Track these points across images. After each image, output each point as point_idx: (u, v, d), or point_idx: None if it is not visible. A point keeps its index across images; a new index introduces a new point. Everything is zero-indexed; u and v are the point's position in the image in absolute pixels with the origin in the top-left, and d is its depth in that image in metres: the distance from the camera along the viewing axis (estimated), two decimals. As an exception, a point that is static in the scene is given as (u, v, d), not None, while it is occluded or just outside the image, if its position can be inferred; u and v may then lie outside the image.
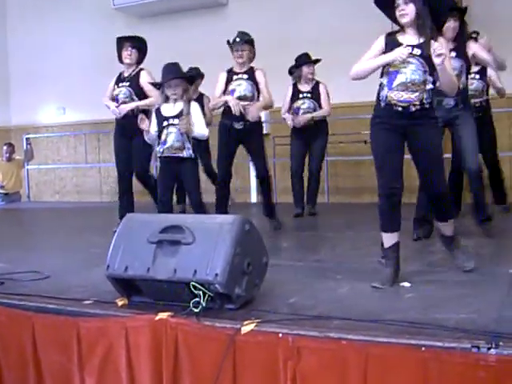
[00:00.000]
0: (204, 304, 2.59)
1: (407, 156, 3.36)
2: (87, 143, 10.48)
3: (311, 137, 6.46)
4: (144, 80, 5.56)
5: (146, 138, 4.85)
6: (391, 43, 3.31)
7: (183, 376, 2.54)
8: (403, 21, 3.28)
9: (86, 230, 6.19)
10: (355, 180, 8.44)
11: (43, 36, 10.61)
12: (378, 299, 2.87)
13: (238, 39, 5.33)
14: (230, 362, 2.41)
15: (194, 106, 4.73)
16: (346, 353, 2.24)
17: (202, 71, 7.04)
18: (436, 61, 3.15)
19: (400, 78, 3.24)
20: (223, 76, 5.40)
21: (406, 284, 3.11)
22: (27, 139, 10.31)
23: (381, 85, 3.32)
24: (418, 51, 3.24)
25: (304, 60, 6.44)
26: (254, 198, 8.95)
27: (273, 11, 8.81)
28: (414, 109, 3.24)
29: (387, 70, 3.28)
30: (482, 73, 5.98)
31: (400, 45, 3.26)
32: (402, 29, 3.35)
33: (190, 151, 4.66)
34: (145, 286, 2.84)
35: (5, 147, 9.97)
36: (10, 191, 10.04)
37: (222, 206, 5.32)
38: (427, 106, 3.27)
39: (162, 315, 2.59)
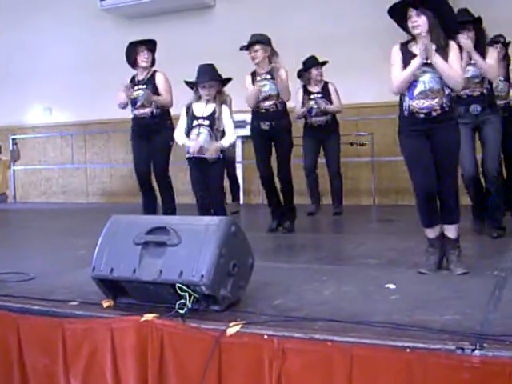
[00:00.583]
0: (189, 305, 2.59)
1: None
2: (74, 144, 10.44)
3: (324, 136, 6.60)
4: (160, 81, 5.69)
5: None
6: (405, 53, 3.51)
7: (169, 377, 2.53)
8: (416, 32, 3.45)
9: (71, 231, 6.17)
10: (350, 182, 8.45)
11: (30, 36, 10.55)
12: (363, 301, 2.87)
13: (248, 42, 5.35)
14: (216, 363, 2.41)
15: (226, 110, 4.80)
16: (332, 354, 2.24)
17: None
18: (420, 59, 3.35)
19: (419, 87, 3.43)
20: (248, 79, 5.42)
21: (392, 285, 3.12)
22: (13, 140, 10.26)
23: (402, 95, 3.51)
24: None
25: (312, 63, 6.64)
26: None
27: (260, 12, 8.82)
28: (435, 114, 3.44)
29: None
30: (507, 75, 5.98)
31: (414, 55, 3.44)
32: (414, 39, 3.50)
33: (219, 152, 4.75)
34: (130, 288, 2.83)
35: (-10, 148, 9.93)
36: (-5, 192, 10.00)
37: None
38: (447, 109, 3.45)
39: (148, 317, 2.58)
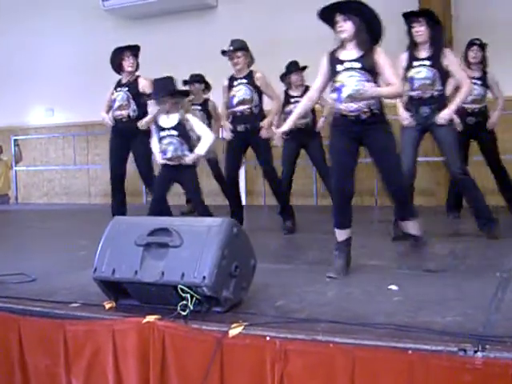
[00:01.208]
0: (191, 307, 2.58)
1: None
2: (76, 145, 10.44)
3: (305, 139, 6.57)
4: (144, 86, 5.90)
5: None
6: (334, 60, 3.65)
7: (170, 379, 2.53)
8: (342, 36, 3.59)
9: (73, 232, 6.17)
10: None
11: (32, 36, 10.54)
12: (365, 302, 2.87)
13: (230, 47, 5.51)
14: (218, 365, 2.41)
15: (191, 117, 4.97)
16: (334, 356, 2.24)
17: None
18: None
19: (346, 91, 3.53)
20: (226, 83, 5.62)
21: (394, 287, 3.12)
22: (15, 141, 10.25)
23: (332, 100, 3.67)
24: (358, 64, 3.54)
25: (292, 68, 6.63)
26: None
27: (262, 13, 8.81)
28: (365, 116, 3.55)
29: (334, 86, 3.61)
30: (484, 78, 6.03)
31: (340, 61, 3.60)
32: (342, 44, 3.64)
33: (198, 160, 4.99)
34: (132, 289, 2.83)
35: (-8, 148, 9.94)
36: (-2, 193, 10.01)
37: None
38: (377, 111, 3.57)
39: (150, 318, 2.59)
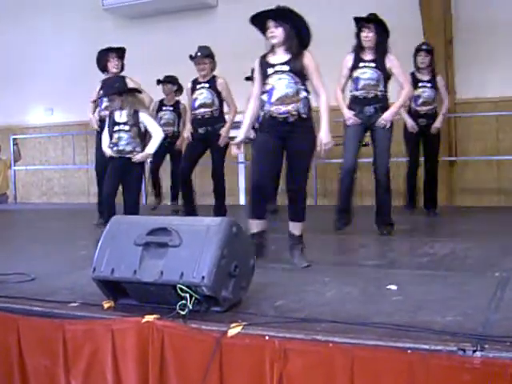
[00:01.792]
0: (191, 306, 2.58)
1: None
2: (75, 144, 10.43)
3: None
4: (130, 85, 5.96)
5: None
6: (264, 64, 3.87)
7: (170, 379, 2.53)
8: (273, 41, 3.81)
9: (72, 231, 6.16)
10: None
11: (31, 36, 10.55)
12: (364, 302, 2.87)
13: (199, 54, 5.93)
14: (217, 364, 2.40)
15: (142, 114, 5.18)
16: (333, 355, 2.23)
17: (176, 75, 7.46)
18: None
19: (276, 94, 3.75)
20: (189, 86, 6.10)
21: (393, 287, 3.11)
22: (14, 140, 10.24)
23: (262, 101, 3.84)
24: (287, 67, 3.77)
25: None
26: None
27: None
28: (292, 119, 3.75)
29: (265, 89, 3.81)
30: (433, 81, 6.30)
31: (270, 65, 3.83)
32: (273, 48, 3.86)
33: (147, 158, 5.30)
34: (131, 289, 2.82)
35: (-9, 148, 9.93)
36: (-4, 192, 9.99)
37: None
38: (304, 115, 3.77)
39: (149, 318, 2.58)
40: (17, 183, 10.60)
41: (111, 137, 5.18)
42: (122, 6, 9.44)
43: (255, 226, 3.87)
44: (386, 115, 4.91)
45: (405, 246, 4.47)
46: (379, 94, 4.96)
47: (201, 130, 6.02)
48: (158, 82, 7.45)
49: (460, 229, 5.45)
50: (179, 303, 2.58)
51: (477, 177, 7.87)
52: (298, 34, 3.81)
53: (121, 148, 5.13)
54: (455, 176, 7.91)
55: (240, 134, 4.00)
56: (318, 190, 8.48)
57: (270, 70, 3.81)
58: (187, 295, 2.59)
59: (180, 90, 7.45)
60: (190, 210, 6.10)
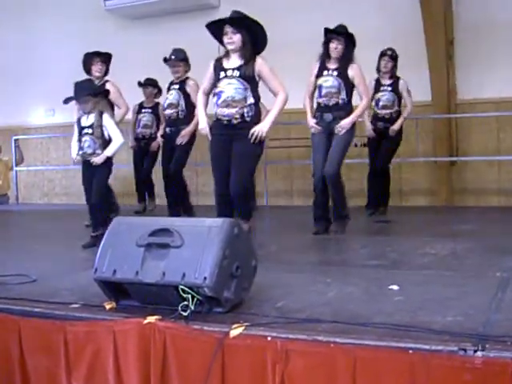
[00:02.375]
0: (192, 307, 2.58)
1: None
2: (76, 145, 10.41)
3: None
4: (110, 90, 6.00)
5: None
6: (218, 67, 4.03)
7: (172, 380, 2.53)
8: (230, 47, 3.98)
9: (74, 232, 6.16)
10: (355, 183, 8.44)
11: (33, 36, 10.55)
12: (366, 302, 2.87)
13: (173, 57, 6.18)
14: (219, 365, 2.41)
15: (105, 118, 5.20)
16: (335, 356, 2.24)
17: (161, 77, 7.41)
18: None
19: (223, 97, 3.95)
20: (166, 87, 6.34)
21: (395, 287, 3.12)
22: (16, 141, 10.24)
23: (213, 103, 4.05)
24: (237, 73, 3.94)
25: None
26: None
27: (264, 13, 8.72)
28: (235, 122, 3.95)
29: (215, 91, 4.01)
30: (394, 85, 6.45)
31: (223, 69, 4.01)
32: (228, 53, 4.03)
33: (105, 160, 5.26)
34: (133, 290, 2.83)
35: (-8, 148, 9.93)
36: (-2, 193, 9.99)
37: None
38: (248, 119, 3.95)
39: (151, 319, 2.58)
40: (18, 184, 10.59)
41: (80, 141, 5.26)
42: (123, 7, 9.41)
43: None
44: (343, 123, 5.04)
45: (406, 246, 4.47)
46: (340, 101, 5.08)
47: (167, 130, 6.35)
48: (140, 84, 7.56)
49: (461, 229, 5.45)
50: (181, 304, 2.58)
51: (477, 177, 7.86)
52: (254, 40, 3.95)
53: (85, 151, 5.21)
54: (455, 176, 7.90)
55: (202, 125, 4.20)
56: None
57: (221, 74, 3.97)
58: (189, 296, 2.59)
59: (160, 92, 7.58)
60: (184, 208, 6.31)
